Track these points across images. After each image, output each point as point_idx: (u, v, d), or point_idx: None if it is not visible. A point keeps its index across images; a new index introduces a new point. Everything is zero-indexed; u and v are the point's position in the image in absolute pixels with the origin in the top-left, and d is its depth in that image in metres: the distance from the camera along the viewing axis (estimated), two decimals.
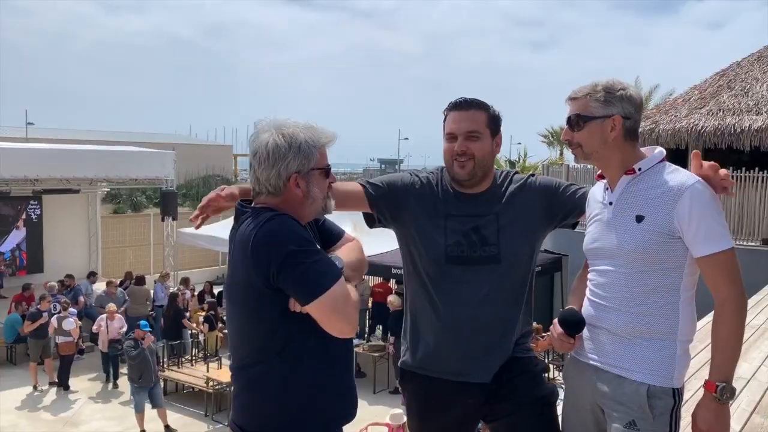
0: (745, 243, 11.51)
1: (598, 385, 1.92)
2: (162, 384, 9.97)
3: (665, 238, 1.79)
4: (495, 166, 2.27)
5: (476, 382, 2.16)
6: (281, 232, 1.60)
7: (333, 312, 1.60)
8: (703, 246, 1.76)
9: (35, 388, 10.77)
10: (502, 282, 2.13)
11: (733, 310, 1.79)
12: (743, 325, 1.81)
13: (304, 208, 1.74)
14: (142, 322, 9.75)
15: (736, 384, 3.93)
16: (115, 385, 10.82)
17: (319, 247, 1.70)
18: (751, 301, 6.96)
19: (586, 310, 1.98)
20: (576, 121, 1.90)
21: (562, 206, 2.20)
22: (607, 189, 1.95)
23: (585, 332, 1.99)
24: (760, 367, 4.38)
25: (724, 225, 1.79)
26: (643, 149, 1.93)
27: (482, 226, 2.14)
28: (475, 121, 2.12)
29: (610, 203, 1.92)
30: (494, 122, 2.16)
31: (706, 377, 1.81)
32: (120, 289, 13.16)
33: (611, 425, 1.88)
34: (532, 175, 2.28)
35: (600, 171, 2.00)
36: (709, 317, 5.82)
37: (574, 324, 1.96)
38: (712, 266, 1.78)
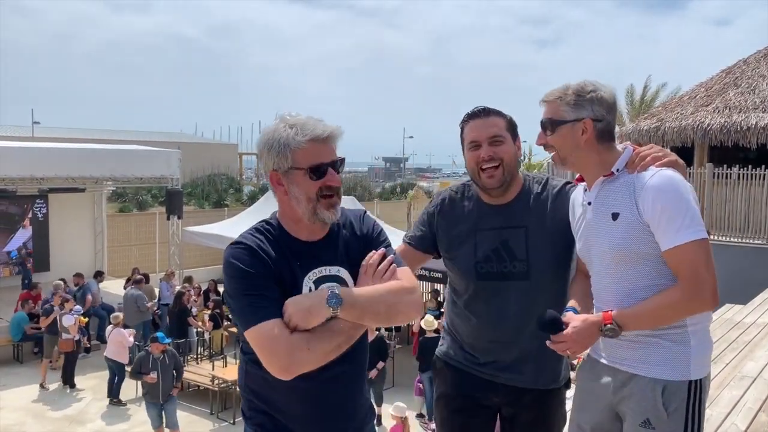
0: (751, 241, 11.46)
1: (614, 384, 1.90)
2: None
3: (642, 232, 1.78)
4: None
5: (504, 384, 2.22)
6: (227, 259, 1.64)
7: (259, 351, 1.59)
8: (665, 240, 1.74)
9: (42, 386, 10.80)
10: (531, 297, 2.13)
11: (683, 294, 1.71)
12: (680, 312, 1.75)
13: (294, 209, 1.67)
14: (159, 335, 9.21)
15: (742, 383, 3.94)
16: (122, 403, 10.24)
17: (257, 276, 1.60)
18: (758, 299, 6.92)
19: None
20: (548, 125, 1.90)
21: None
22: (586, 190, 1.95)
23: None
24: (766, 366, 4.35)
25: (688, 215, 1.72)
26: (618, 147, 1.91)
27: (511, 239, 2.14)
28: (496, 125, 2.12)
29: (589, 203, 1.92)
30: (513, 127, 2.16)
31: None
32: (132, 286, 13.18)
33: (626, 425, 1.86)
34: (569, 182, 2.20)
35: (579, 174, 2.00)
36: (716, 314, 5.76)
37: (547, 325, 1.90)
38: (674, 258, 1.73)
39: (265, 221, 1.74)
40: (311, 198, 1.64)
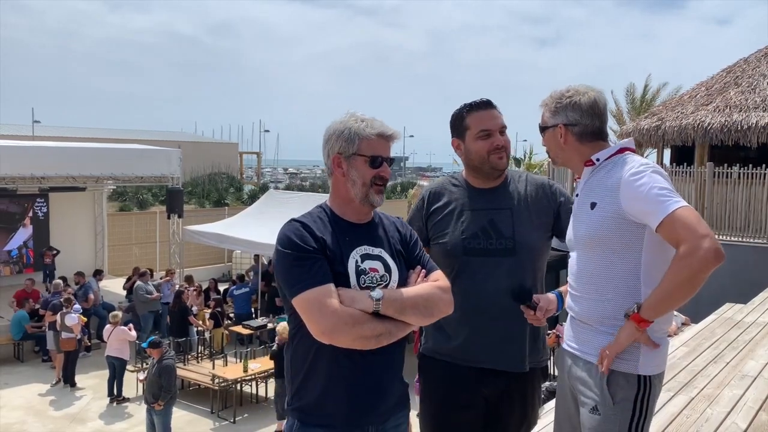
0: (751, 240, 11.46)
1: (573, 370, 1.98)
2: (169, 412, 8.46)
3: (616, 222, 1.84)
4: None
5: (491, 368, 2.27)
6: (281, 233, 1.84)
7: (304, 314, 1.76)
8: (653, 218, 1.77)
9: (57, 382, 10.84)
10: (517, 273, 2.23)
11: (686, 254, 1.67)
12: (694, 272, 1.68)
13: (348, 191, 1.88)
14: (150, 339, 8.86)
15: (742, 382, 3.94)
16: (126, 399, 10.37)
17: (315, 251, 1.78)
18: (758, 298, 6.92)
19: (567, 301, 2.08)
20: (540, 131, 2.08)
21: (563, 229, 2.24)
22: None
23: (567, 320, 2.08)
24: (766, 365, 4.36)
25: (665, 191, 1.76)
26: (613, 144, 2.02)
27: (498, 219, 2.29)
28: (501, 117, 2.34)
29: (577, 195, 2.03)
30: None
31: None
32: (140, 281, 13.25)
33: (581, 410, 1.93)
34: (549, 178, 2.42)
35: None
36: (711, 317, 5.79)
37: (519, 295, 2.12)
38: (665, 231, 1.75)
39: (319, 206, 1.95)
40: (366, 183, 1.87)
